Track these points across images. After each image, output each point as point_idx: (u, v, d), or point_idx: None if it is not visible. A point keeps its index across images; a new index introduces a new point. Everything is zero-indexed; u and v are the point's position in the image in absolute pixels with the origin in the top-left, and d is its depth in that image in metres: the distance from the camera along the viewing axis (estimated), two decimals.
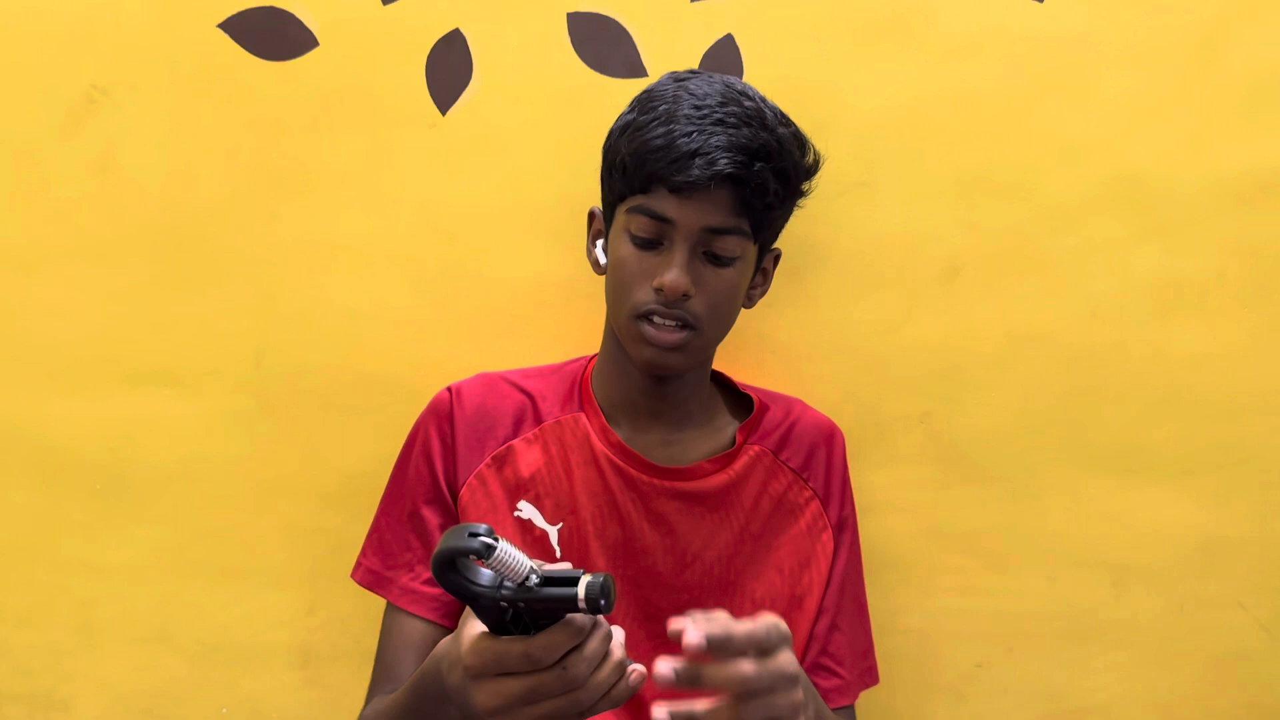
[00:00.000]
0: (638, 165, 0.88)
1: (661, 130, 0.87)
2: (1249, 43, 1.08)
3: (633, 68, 1.07)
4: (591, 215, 0.98)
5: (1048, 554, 1.12)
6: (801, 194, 0.95)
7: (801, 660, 0.98)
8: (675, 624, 0.66)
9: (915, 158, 1.09)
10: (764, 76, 1.07)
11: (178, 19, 1.07)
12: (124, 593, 1.11)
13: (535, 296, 1.10)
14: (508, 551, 0.65)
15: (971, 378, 1.11)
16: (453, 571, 0.65)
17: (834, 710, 0.99)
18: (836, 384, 1.10)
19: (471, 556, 0.65)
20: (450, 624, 0.97)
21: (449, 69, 1.08)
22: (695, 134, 0.86)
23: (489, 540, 0.64)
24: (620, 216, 0.91)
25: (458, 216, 1.09)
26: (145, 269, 1.09)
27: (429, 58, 1.07)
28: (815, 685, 0.98)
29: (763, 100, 0.90)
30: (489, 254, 1.10)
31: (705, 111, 0.87)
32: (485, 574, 0.66)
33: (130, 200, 1.08)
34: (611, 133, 0.93)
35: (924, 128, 1.08)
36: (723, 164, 0.85)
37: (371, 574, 0.99)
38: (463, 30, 1.07)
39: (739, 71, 1.07)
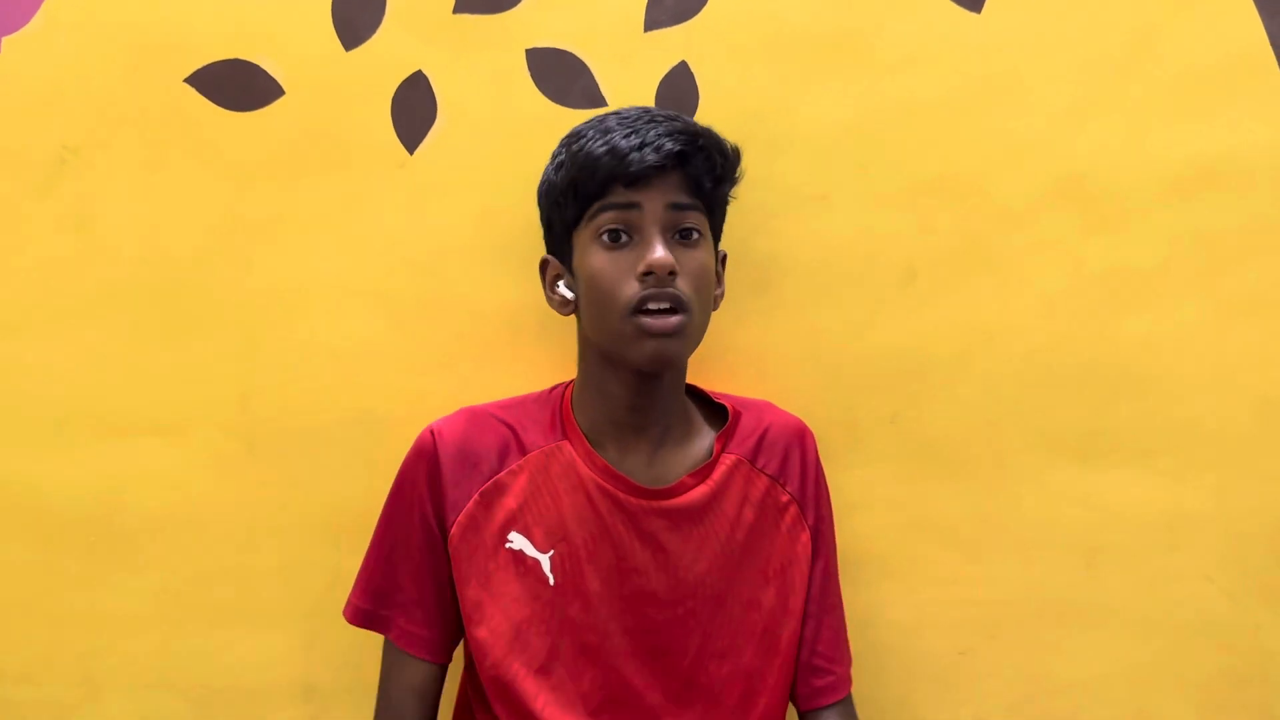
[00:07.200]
0: (588, 177, 0.93)
1: (601, 141, 0.93)
2: (1180, 38, 1.12)
3: (593, 98, 1.10)
4: (544, 263, 1.01)
5: (1021, 541, 1.15)
6: (734, 180, 1.00)
7: (795, 662, 1.02)
8: None
9: (869, 169, 1.12)
10: (719, 99, 1.11)
11: (144, 76, 1.09)
12: (124, 642, 1.13)
13: (511, 325, 1.12)
14: None
15: (936, 376, 1.14)
16: None
17: (830, 706, 1.02)
18: (807, 390, 1.13)
19: None
20: (446, 660, 1.01)
21: (414, 109, 1.10)
22: (633, 134, 0.92)
23: None
24: (583, 233, 0.95)
25: (431, 252, 1.12)
26: (126, 321, 1.11)
27: (394, 99, 1.10)
28: (810, 685, 1.02)
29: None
30: (464, 286, 1.12)
31: (634, 117, 0.94)
32: None
33: (107, 255, 1.10)
34: (545, 179, 0.99)
35: (875, 139, 1.12)
36: (669, 145, 0.92)
37: (363, 613, 1.01)
38: (425, 71, 1.10)
39: (695, 96, 1.11)
